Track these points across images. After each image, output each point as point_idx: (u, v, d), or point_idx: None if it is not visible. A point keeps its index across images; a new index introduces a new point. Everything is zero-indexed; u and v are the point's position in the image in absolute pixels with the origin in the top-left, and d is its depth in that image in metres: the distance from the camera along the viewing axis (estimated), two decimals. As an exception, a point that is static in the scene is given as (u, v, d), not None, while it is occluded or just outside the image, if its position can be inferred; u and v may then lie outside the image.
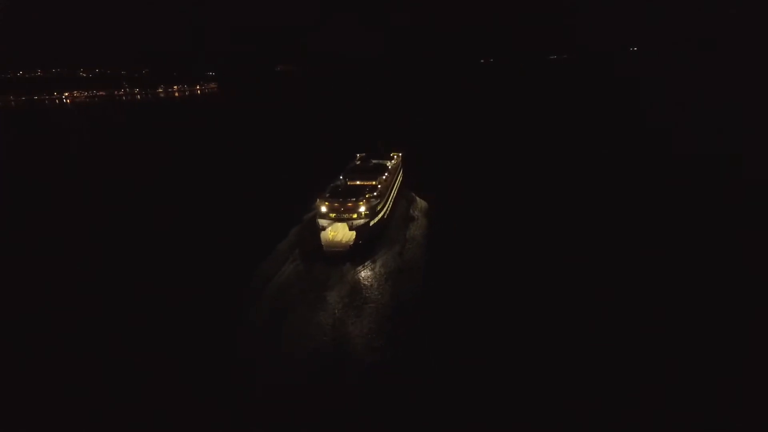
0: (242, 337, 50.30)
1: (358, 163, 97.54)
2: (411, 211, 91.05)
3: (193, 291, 60.32)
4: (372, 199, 74.82)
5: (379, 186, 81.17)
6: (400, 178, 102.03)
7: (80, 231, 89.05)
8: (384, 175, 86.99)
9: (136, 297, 60.45)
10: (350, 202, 72.80)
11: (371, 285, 61.48)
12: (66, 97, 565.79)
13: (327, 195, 76.11)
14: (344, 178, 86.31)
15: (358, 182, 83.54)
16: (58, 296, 61.30)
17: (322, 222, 71.83)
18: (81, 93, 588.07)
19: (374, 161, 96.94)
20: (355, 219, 71.26)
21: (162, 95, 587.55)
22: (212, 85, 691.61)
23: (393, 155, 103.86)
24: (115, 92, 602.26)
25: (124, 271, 69.15)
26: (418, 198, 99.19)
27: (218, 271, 65.90)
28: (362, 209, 72.14)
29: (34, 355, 49.19)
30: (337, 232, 72.53)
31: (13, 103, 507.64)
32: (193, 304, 56.89)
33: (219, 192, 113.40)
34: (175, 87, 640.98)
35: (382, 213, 77.28)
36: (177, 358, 47.01)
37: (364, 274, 64.55)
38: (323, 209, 73.05)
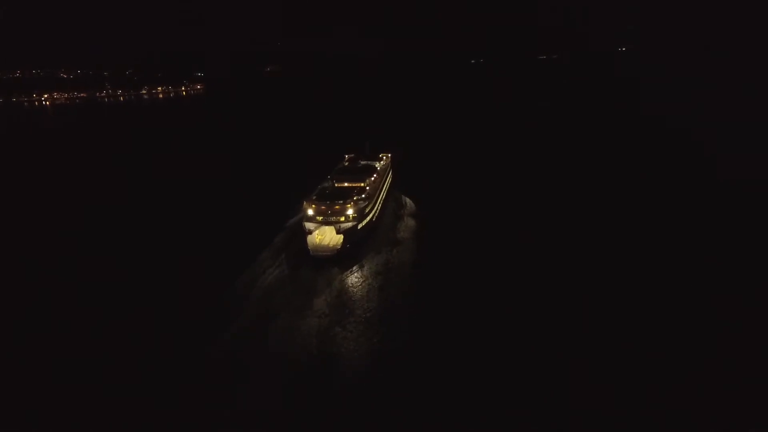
0: (227, 342, 49.66)
1: (347, 164, 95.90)
2: (400, 213, 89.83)
3: (175, 296, 59.76)
4: (360, 202, 73.43)
5: (367, 188, 79.55)
6: (389, 179, 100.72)
7: (50, 237, 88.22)
8: (372, 176, 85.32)
9: (118, 301, 59.94)
10: (338, 204, 71.07)
11: (359, 290, 60.45)
12: (45, 99, 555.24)
13: (314, 197, 74.41)
14: (332, 179, 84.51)
15: (346, 184, 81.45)
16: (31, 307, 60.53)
17: (309, 225, 70.58)
18: (61, 94, 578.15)
19: (363, 162, 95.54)
20: (342, 222, 69.94)
21: (146, 96, 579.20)
22: (198, 86, 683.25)
23: (382, 156, 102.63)
24: (97, 94, 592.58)
25: (108, 275, 68.50)
26: (407, 199, 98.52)
27: (202, 276, 65.09)
28: (350, 212, 70.79)
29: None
30: (324, 236, 71.12)
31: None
32: (176, 310, 56.43)
33: (203, 194, 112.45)
34: (159, 88, 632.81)
35: (370, 215, 76.00)
36: (160, 364, 46.54)
37: (352, 278, 63.44)
38: (310, 212, 71.61)
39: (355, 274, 64.57)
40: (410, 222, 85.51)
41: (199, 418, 39.48)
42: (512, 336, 49.33)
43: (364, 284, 61.84)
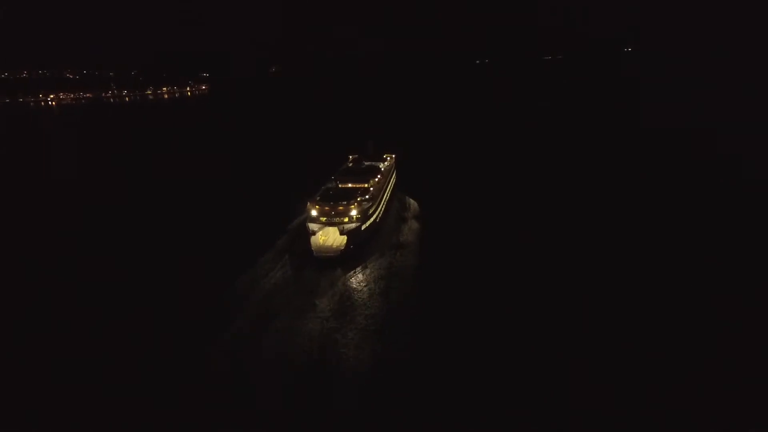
0: (227, 342, 49.59)
1: (350, 165, 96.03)
2: (404, 215, 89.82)
3: (175, 296, 59.83)
4: (364, 203, 73.53)
5: (371, 189, 79.55)
6: (393, 180, 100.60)
7: (50, 236, 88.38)
8: (376, 177, 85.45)
9: (118, 301, 60.02)
10: (341, 205, 71.13)
11: (362, 292, 60.13)
12: (51, 99, 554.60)
13: (318, 198, 74.64)
14: (336, 180, 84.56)
15: (349, 185, 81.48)
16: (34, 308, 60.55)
17: (313, 226, 70.68)
18: (67, 95, 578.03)
19: (367, 163, 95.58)
20: (346, 223, 69.94)
21: (151, 97, 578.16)
22: (203, 86, 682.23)
23: (386, 157, 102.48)
24: (103, 94, 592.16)
25: (108, 275, 68.52)
26: (411, 200, 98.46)
27: (202, 276, 65.12)
28: (353, 213, 70.80)
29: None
30: (328, 237, 71.09)
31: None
32: (176, 310, 56.49)
33: (203, 194, 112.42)
34: (165, 88, 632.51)
35: (374, 217, 76.02)
36: (160, 364, 46.57)
37: (355, 280, 63.24)
38: (314, 213, 71.71)
39: (359, 276, 64.34)
40: (414, 224, 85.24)
41: (199, 418, 39.50)
42: (512, 336, 49.33)
43: (367, 286, 61.65)
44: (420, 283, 62.34)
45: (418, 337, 50.16)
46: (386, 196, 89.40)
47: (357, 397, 41.58)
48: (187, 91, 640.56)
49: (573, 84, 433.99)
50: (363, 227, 71.36)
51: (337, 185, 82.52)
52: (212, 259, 70.83)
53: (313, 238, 69.65)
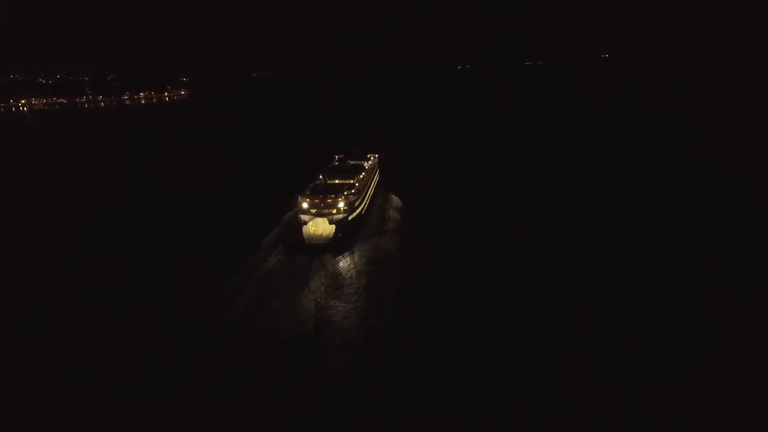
0: (228, 323, 52.25)
1: (337, 163, 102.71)
2: (386, 207, 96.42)
3: (175, 296, 59.91)
4: (350, 196, 79.24)
5: (356, 184, 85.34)
6: (376, 177, 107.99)
7: (50, 237, 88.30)
8: (361, 174, 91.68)
9: (118, 301, 59.98)
10: (330, 198, 77.23)
11: (350, 273, 65.53)
12: (23, 105, 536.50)
13: (308, 192, 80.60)
14: (324, 177, 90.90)
15: (337, 181, 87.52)
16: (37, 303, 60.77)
17: (304, 217, 76.28)
18: (40, 100, 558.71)
19: (352, 162, 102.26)
20: (334, 214, 75.50)
21: (127, 102, 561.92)
22: (182, 91, 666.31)
23: (369, 156, 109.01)
24: (77, 99, 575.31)
25: (108, 275, 68.42)
26: (393, 196, 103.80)
27: (202, 276, 65.45)
28: (341, 205, 76.41)
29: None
30: (318, 227, 76.73)
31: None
32: (176, 310, 56.59)
33: (201, 194, 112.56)
34: (142, 94, 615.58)
35: (359, 208, 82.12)
36: (160, 364, 46.64)
37: (343, 263, 68.88)
38: (305, 205, 77.38)
39: (346, 260, 69.79)
40: (396, 215, 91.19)
41: (199, 418, 39.47)
42: (512, 336, 49.32)
43: (353, 268, 66.98)
44: (400, 266, 66.75)
45: (416, 336, 50.13)
46: (370, 191, 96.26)
47: (357, 396, 41.49)
48: (165, 96, 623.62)
49: (572, 84, 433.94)
50: (350, 218, 76.71)
51: (326, 181, 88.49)
52: (211, 258, 70.91)
53: (304, 228, 74.85)
